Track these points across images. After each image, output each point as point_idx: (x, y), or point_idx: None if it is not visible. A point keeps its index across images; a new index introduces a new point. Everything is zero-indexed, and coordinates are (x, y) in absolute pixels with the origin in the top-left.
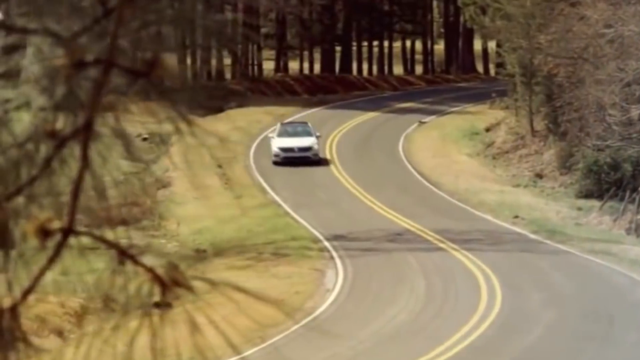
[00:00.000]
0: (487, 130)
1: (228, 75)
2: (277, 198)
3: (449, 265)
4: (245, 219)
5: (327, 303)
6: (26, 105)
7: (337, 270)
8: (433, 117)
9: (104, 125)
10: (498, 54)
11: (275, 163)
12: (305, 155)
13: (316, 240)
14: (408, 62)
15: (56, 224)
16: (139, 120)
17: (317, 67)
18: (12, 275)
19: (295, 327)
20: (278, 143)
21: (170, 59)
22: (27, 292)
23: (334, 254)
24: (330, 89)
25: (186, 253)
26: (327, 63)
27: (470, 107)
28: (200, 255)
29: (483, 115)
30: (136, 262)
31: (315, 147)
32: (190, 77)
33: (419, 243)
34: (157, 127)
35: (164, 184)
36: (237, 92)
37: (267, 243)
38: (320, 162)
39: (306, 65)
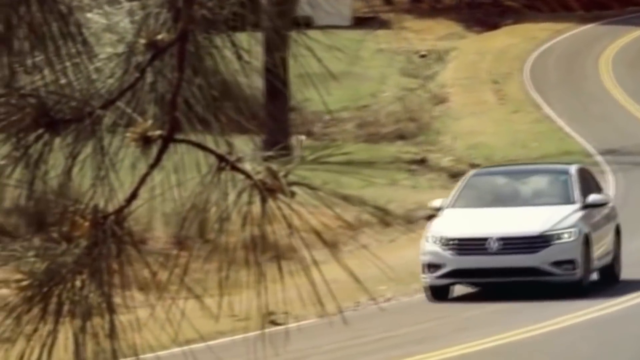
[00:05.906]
0: None
1: None
2: (551, 113)
3: None
4: (520, 134)
5: None
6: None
7: (609, 185)
8: None
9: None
10: None
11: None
12: (532, 265)
13: (589, 155)
14: None
15: (157, 132)
16: (418, 37)
17: None
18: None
19: None
20: (441, 228)
21: None
22: (130, 198)
23: (606, 168)
24: (605, 4)
25: (286, 159)
26: None
27: None
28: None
29: None
30: (235, 168)
31: (574, 234)
32: None
33: None
34: (436, 44)
35: (441, 100)
36: (513, 9)
37: (540, 157)
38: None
39: None
